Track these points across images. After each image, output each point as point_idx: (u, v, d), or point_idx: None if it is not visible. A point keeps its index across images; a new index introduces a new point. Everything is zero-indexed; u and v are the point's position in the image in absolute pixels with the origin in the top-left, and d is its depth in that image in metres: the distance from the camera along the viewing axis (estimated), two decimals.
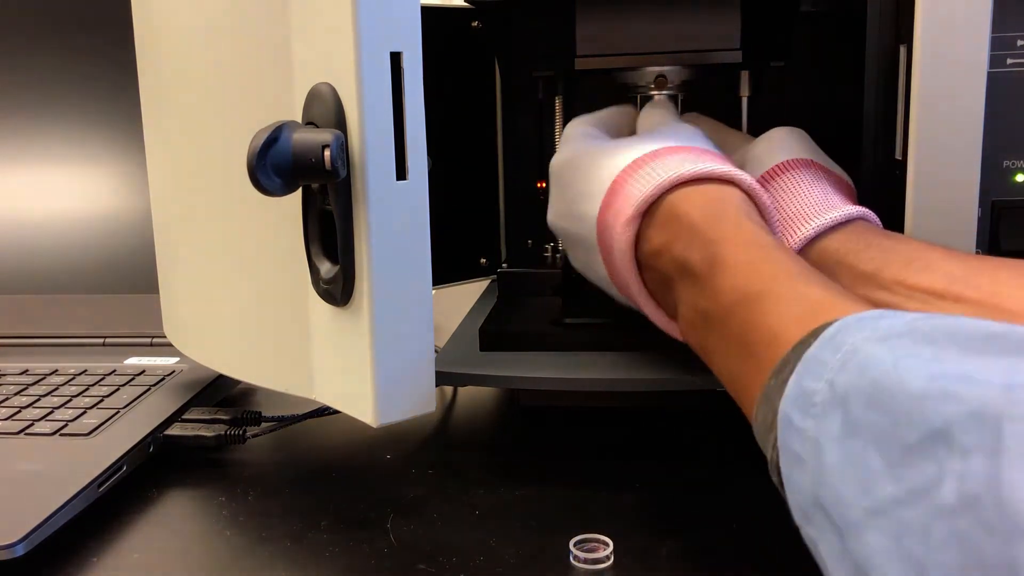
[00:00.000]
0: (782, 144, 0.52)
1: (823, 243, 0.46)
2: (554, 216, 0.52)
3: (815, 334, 0.30)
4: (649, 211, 0.43)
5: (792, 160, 0.50)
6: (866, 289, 0.43)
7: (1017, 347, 0.25)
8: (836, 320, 0.30)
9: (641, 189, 0.43)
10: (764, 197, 0.44)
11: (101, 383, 0.60)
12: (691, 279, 0.40)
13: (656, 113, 0.56)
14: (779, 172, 0.50)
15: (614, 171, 0.45)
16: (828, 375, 0.28)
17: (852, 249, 0.45)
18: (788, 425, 0.29)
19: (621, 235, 0.43)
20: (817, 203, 0.47)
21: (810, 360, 0.30)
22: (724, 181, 0.43)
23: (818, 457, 0.28)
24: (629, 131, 0.57)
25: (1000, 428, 0.22)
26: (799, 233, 0.46)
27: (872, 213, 0.48)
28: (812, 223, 0.46)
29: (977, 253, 0.49)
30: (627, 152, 0.46)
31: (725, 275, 0.38)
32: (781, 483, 0.31)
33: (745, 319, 0.36)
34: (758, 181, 0.45)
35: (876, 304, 0.39)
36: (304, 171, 0.39)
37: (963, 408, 0.23)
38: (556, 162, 0.52)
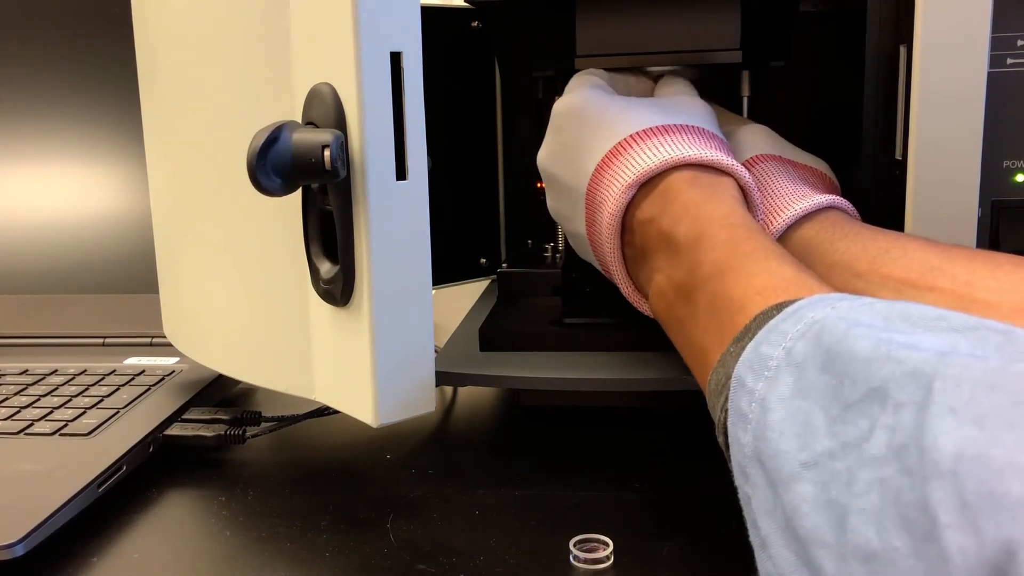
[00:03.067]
0: (748, 141, 0.53)
1: (797, 233, 0.47)
2: (546, 158, 0.51)
3: (779, 307, 0.31)
4: (648, 182, 0.44)
5: (757, 156, 0.52)
6: (841, 277, 0.43)
7: (964, 327, 0.26)
8: (800, 298, 0.31)
9: (646, 160, 0.44)
10: (756, 194, 0.45)
11: (101, 383, 0.60)
12: (672, 251, 0.41)
13: (676, 84, 0.55)
14: (748, 167, 0.50)
15: (621, 133, 0.46)
16: (786, 343, 0.29)
17: (827, 238, 0.45)
18: (740, 387, 0.30)
19: (616, 198, 0.44)
20: (787, 194, 0.48)
21: (771, 329, 0.30)
22: (724, 172, 0.44)
23: (763, 415, 0.29)
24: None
25: (931, 384, 0.23)
26: (772, 226, 0.47)
27: (846, 202, 0.49)
28: (784, 214, 0.47)
29: None
30: (638, 117, 0.46)
31: (706, 249, 0.39)
32: (727, 444, 0.31)
33: (716, 290, 0.37)
34: None
35: (848, 292, 0.40)
36: (304, 171, 0.39)
37: (901, 368, 0.25)
38: (561, 105, 0.51)
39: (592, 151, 0.46)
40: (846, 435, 0.25)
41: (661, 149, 0.44)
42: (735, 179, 0.44)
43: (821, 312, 0.29)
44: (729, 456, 0.31)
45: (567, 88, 0.53)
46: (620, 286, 0.47)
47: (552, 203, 0.53)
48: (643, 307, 0.47)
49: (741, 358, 0.31)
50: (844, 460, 0.25)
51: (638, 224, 0.44)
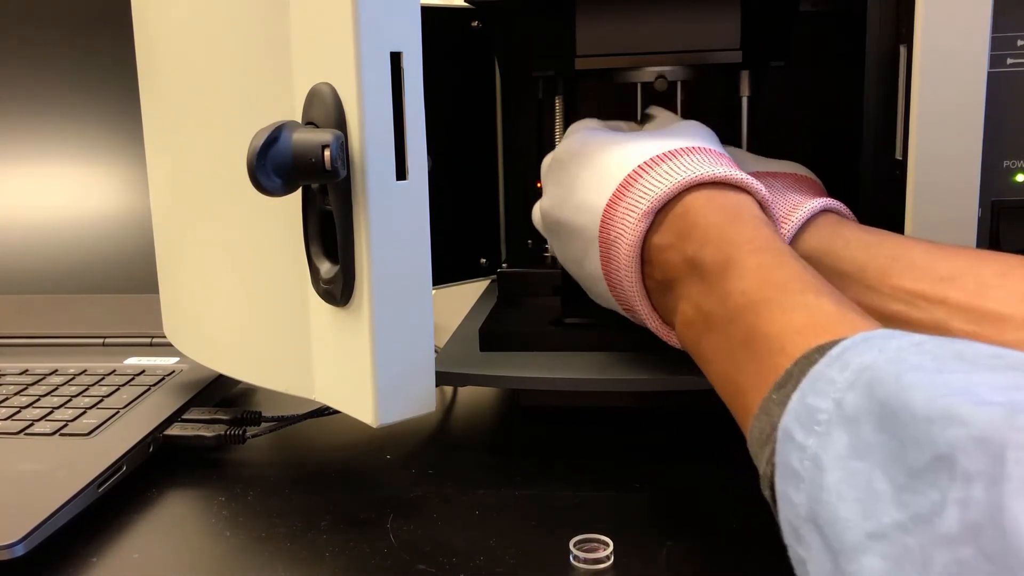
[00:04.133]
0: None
1: (799, 246, 0.46)
2: (550, 205, 0.50)
3: (821, 350, 0.30)
4: (663, 208, 0.43)
5: None
6: (853, 289, 0.42)
7: (1021, 364, 0.25)
8: (843, 339, 0.29)
9: (659, 185, 0.43)
10: (773, 209, 0.44)
11: (101, 383, 0.60)
12: (699, 278, 0.40)
13: (663, 113, 0.56)
14: None
15: (629, 165, 0.45)
16: (835, 394, 0.28)
17: (830, 249, 0.45)
18: (788, 440, 0.29)
19: (634, 228, 0.43)
20: (779, 209, 0.47)
21: (816, 377, 0.29)
22: (740, 188, 0.43)
23: (818, 475, 0.27)
24: None
25: (1003, 455, 0.22)
26: None
27: (837, 202, 0.48)
28: (782, 229, 0.46)
29: None
30: (643, 147, 0.46)
31: (736, 278, 0.37)
32: (773, 498, 0.30)
33: (750, 324, 0.35)
34: None
35: (862, 305, 0.39)
36: (304, 171, 0.39)
37: (967, 432, 0.23)
38: (561, 150, 0.51)
39: (600, 189, 0.45)
40: (915, 506, 0.24)
41: (672, 173, 0.43)
42: (751, 195, 0.43)
43: (869, 356, 0.28)
44: (776, 511, 0.30)
45: (564, 137, 0.53)
46: (646, 321, 0.46)
47: (560, 252, 0.52)
48: (672, 340, 0.45)
49: (787, 409, 0.29)
50: (916, 536, 0.23)
51: (658, 252, 0.43)
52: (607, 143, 0.48)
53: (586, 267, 0.48)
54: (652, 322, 0.45)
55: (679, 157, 0.44)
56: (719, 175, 0.43)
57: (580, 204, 0.47)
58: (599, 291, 0.48)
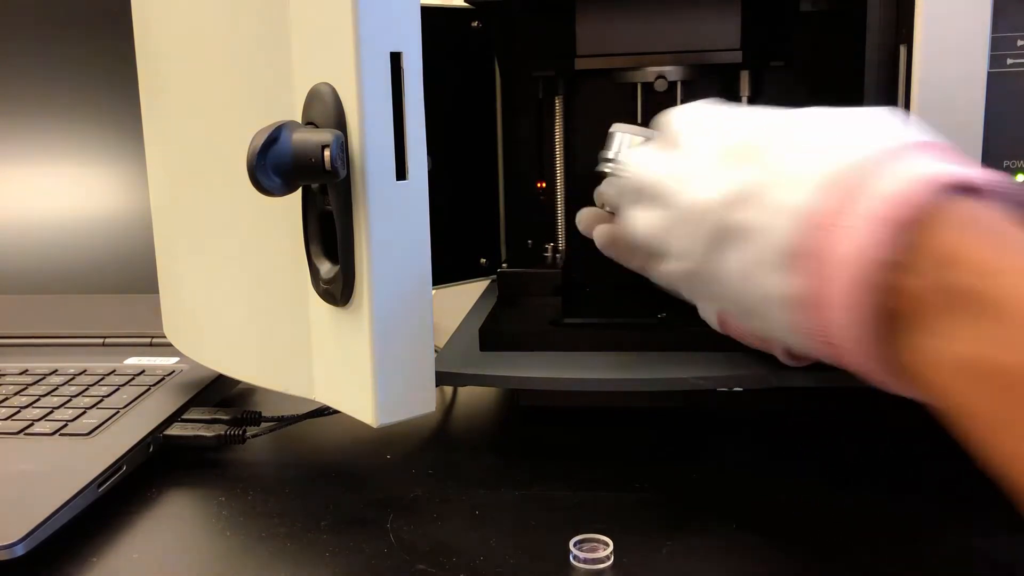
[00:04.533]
0: None
1: None
2: (723, 200, 0.38)
3: None
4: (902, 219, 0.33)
5: None
6: None
7: None
8: None
9: (897, 185, 0.33)
10: None
11: (101, 383, 0.60)
12: (974, 315, 0.31)
13: (630, 127, 0.49)
14: None
15: (849, 158, 0.35)
16: None
17: None
18: None
19: (867, 238, 0.33)
20: None
21: None
22: (996, 197, 0.34)
23: None
24: None
25: None
26: None
27: None
28: None
29: None
30: (863, 136, 0.36)
31: None
32: None
33: None
34: None
35: None
36: (304, 171, 0.39)
37: None
38: (744, 133, 0.39)
39: (798, 183, 0.36)
40: None
41: (911, 171, 0.33)
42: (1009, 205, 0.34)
43: None
44: None
45: (671, 120, 0.43)
46: (860, 362, 0.35)
47: (720, 263, 0.39)
48: (898, 387, 0.36)
49: None
50: None
51: (890, 272, 0.33)
52: (804, 121, 0.39)
53: (761, 284, 0.37)
54: (872, 363, 0.35)
55: (916, 153, 0.35)
56: (982, 180, 0.33)
57: (778, 202, 0.36)
58: (774, 316, 0.37)
